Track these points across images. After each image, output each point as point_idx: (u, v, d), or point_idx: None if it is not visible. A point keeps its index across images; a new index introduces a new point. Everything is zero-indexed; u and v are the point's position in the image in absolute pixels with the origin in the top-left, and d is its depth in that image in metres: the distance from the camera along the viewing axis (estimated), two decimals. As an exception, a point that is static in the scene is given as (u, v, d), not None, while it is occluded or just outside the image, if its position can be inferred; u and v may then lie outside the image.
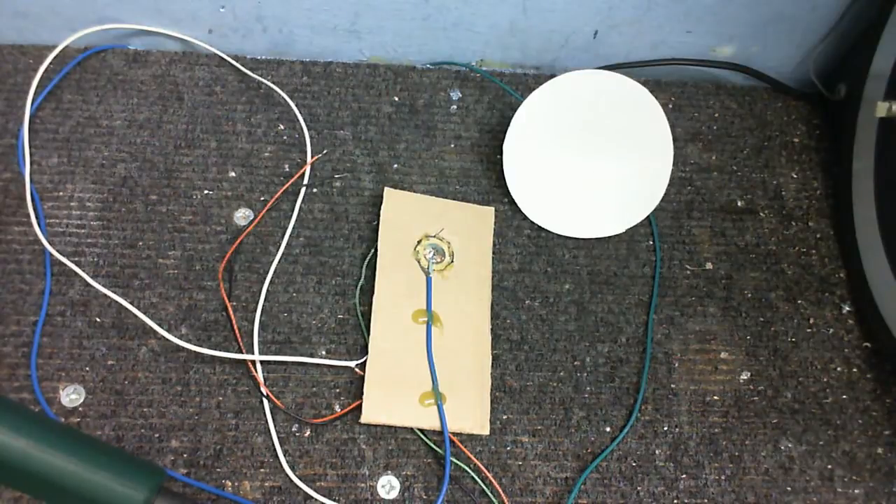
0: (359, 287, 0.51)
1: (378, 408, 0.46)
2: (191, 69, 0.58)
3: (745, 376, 0.52)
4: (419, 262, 0.51)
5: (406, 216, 0.53)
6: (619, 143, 0.55)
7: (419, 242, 0.52)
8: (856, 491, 0.49)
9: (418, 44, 0.60)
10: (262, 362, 0.48)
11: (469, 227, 0.53)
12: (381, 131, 0.57)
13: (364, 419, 0.46)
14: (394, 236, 0.52)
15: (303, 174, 0.55)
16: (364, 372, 0.48)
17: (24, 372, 0.47)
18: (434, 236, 0.52)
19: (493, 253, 0.54)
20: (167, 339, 0.48)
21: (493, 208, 0.55)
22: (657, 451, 0.49)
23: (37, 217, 0.51)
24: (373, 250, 0.52)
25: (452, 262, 0.51)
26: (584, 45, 0.61)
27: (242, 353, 0.48)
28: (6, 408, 0.36)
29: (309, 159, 0.55)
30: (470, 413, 0.47)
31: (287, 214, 0.53)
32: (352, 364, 0.49)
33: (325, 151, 0.56)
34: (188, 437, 0.46)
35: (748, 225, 0.58)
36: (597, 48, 0.61)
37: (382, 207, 0.52)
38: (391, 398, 0.47)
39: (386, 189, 0.53)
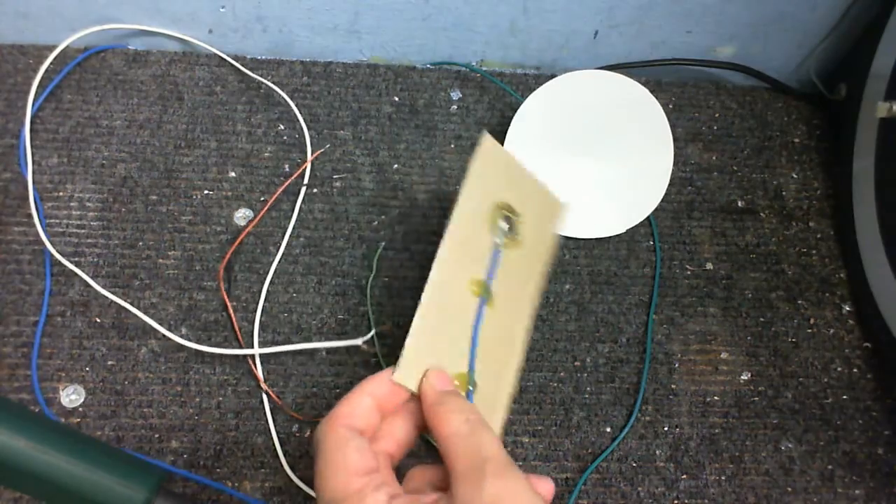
0: (370, 281, 0.51)
1: (412, 373, 0.38)
2: (191, 69, 0.58)
3: (745, 377, 0.52)
4: (492, 230, 0.43)
5: (494, 174, 0.45)
6: (619, 143, 0.55)
7: (496, 208, 0.44)
8: (856, 491, 0.49)
9: (418, 44, 0.60)
10: (262, 358, 0.48)
11: (543, 211, 0.46)
12: (382, 131, 0.57)
13: (396, 378, 0.37)
14: (477, 192, 0.43)
15: (303, 172, 0.55)
16: (372, 348, 0.47)
17: (24, 372, 0.47)
18: (509, 210, 0.44)
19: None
20: (167, 340, 0.48)
21: (568, 202, 0.47)
22: (657, 452, 0.49)
23: (39, 218, 0.50)
24: (386, 240, 0.52)
25: (520, 241, 0.44)
26: (584, 45, 0.61)
27: (243, 348, 0.48)
28: (6, 408, 0.36)
29: (309, 156, 0.55)
30: (488, 414, 0.39)
31: (287, 214, 0.53)
32: (359, 342, 0.47)
33: (327, 146, 0.56)
34: (188, 438, 0.46)
35: (748, 225, 0.58)
36: (597, 48, 0.61)
37: (477, 156, 0.43)
38: (425, 367, 0.38)
39: (484, 134, 0.44)
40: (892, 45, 0.54)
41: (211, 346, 0.48)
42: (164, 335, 0.48)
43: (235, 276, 0.51)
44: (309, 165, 0.55)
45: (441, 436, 0.31)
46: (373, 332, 0.48)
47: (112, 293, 0.49)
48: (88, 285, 0.49)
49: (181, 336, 0.48)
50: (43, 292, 0.49)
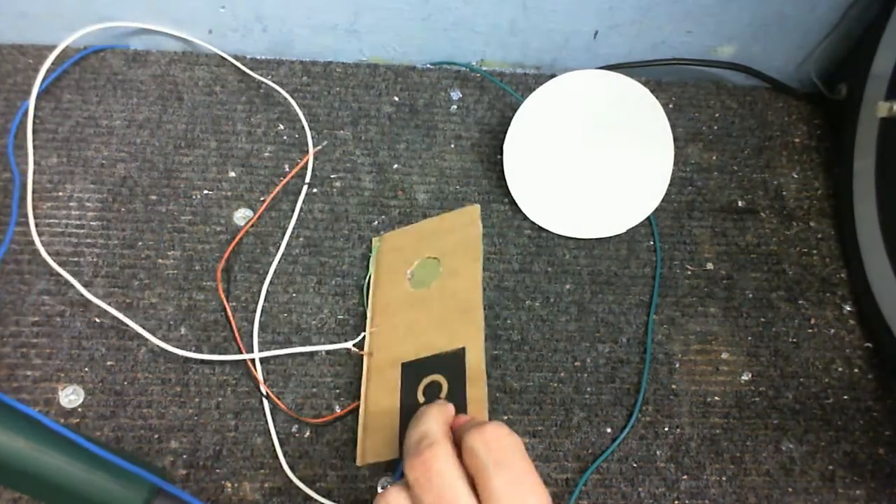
0: (368, 277, 0.51)
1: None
2: (190, 69, 0.58)
3: (746, 377, 0.52)
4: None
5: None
6: (619, 143, 0.54)
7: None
8: (857, 492, 0.49)
9: (418, 44, 0.60)
10: (261, 360, 0.48)
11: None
12: (382, 131, 0.57)
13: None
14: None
15: (303, 169, 0.55)
16: (362, 351, 0.48)
17: (24, 372, 0.47)
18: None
19: (494, 253, 0.54)
20: (167, 340, 0.48)
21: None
22: (658, 452, 0.49)
23: (32, 218, 0.50)
24: (374, 251, 0.52)
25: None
26: (584, 45, 0.61)
27: (242, 353, 0.48)
28: (6, 408, 0.36)
29: (311, 150, 0.55)
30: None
31: (287, 214, 0.53)
32: (349, 345, 0.48)
33: (325, 143, 0.56)
34: (188, 438, 0.46)
35: (749, 225, 0.58)
36: (597, 48, 0.61)
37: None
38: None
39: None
40: (893, 44, 0.54)
41: (210, 346, 0.48)
42: (158, 343, 0.48)
43: (235, 276, 0.51)
44: (311, 160, 0.55)
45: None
46: (363, 335, 0.48)
47: (110, 294, 0.49)
48: (88, 285, 0.49)
49: (180, 337, 0.48)
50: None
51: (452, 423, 0.35)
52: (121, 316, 0.48)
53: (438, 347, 0.45)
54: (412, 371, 0.45)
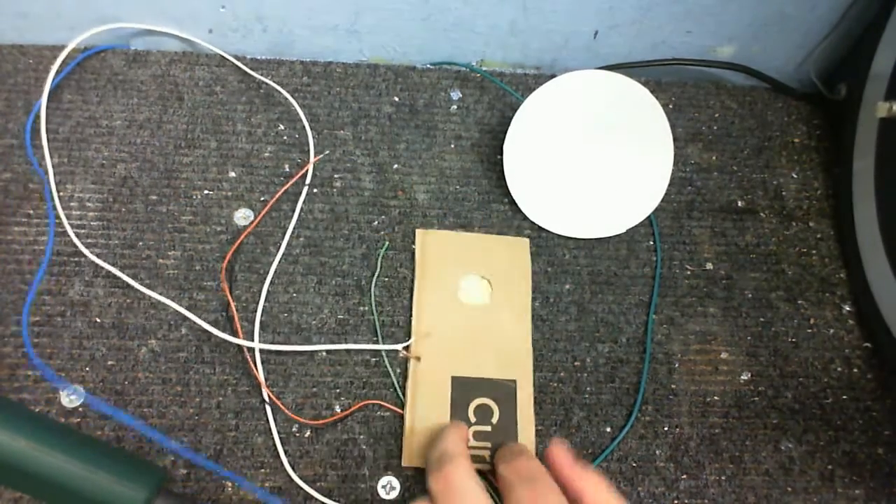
0: (374, 279, 0.51)
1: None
2: (191, 69, 0.58)
3: (745, 377, 0.52)
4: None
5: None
6: (619, 143, 0.55)
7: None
8: (856, 491, 0.49)
9: (418, 44, 0.60)
10: (262, 357, 0.48)
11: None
12: (382, 131, 0.57)
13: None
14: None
15: (304, 175, 0.55)
16: (410, 354, 0.49)
17: (24, 372, 0.47)
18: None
19: (494, 253, 0.54)
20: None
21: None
22: (657, 452, 0.49)
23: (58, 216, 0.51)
24: (383, 250, 0.52)
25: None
26: (584, 45, 0.61)
27: (245, 353, 0.48)
28: (6, 408, 0.36)
29: (312, 158, 0.55)
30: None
31: (287, 215, 0.53)
32: (399, 347, 0.49)
33: (326, 152, 0.56)
34: (188, 438, 0.46)
35: (748, 225, 0.58)
36: (597, 48, 0.61)
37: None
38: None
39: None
40: (892, 44, 0.54)
41: (211, 345, 0.48)
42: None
43: (235, 276, 0.51)
44: (311, 169, 0.55)
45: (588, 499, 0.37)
46: (412, 340, 0.49)
47: (111, 293, 0.49)
48: (88, 285, 0.49)
49: (181, 337, 0.48)
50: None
51: (496, 453, 0.42)
52: (169, 302, 0.48)
53: (489, 373, 0.49)
54: (462, 387, 0.48)
